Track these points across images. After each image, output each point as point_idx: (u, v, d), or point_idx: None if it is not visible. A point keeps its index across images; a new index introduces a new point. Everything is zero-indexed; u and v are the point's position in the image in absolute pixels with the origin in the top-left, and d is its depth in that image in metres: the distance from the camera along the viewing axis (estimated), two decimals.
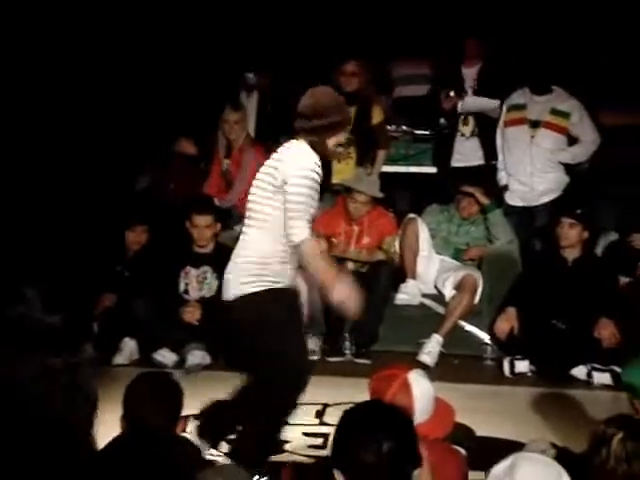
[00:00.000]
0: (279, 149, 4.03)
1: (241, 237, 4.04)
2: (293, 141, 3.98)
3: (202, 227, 6.20)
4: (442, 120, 6.93)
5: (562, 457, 3.19)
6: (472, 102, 6.85)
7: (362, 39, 7.42)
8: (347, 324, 6.27)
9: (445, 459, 3.06)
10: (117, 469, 2.72)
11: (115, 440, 2.97)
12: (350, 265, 6.39)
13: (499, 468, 2.34)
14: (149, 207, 6.79)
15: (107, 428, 3.06)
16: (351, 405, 2.49)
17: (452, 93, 6.84)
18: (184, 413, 4.69)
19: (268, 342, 3.81)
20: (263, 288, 3.87)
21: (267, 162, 4.01)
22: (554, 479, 2.28)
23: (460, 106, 6.83)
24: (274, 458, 4.33)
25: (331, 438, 2.35)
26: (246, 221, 4.04)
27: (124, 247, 6.50)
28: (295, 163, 3.87)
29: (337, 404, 5.04)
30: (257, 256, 3.90)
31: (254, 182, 4.02)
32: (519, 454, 2.35)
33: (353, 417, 2.35)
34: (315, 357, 6.10)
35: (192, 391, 5.19)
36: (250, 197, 4.01)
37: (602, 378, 5.52)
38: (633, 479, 2.45)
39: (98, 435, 3.07)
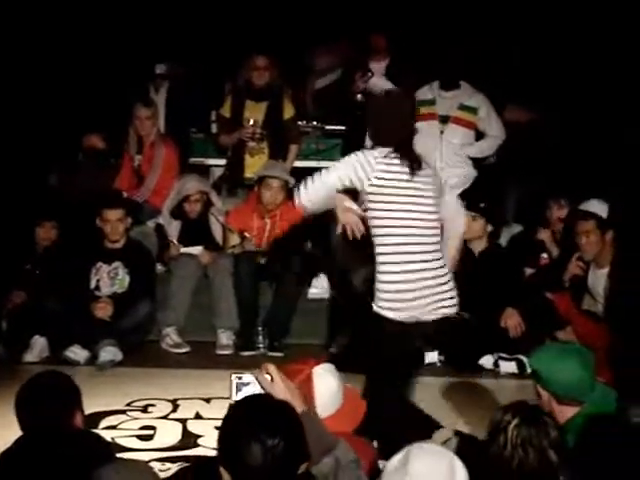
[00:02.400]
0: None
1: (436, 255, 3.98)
2: None
3: (113, 221, 6.15)
4: (359, 96, 6.98)
5: (469, 445, 3.29)
6: (376, 82, 6.95)
7: (273, 31, 7.48)
8: (260, 317, 6.32)
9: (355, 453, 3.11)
10: (17, 469, 2.70)
11: (16, 442, 2.95)
12: (263, 259, 6.42)
13: (394, 460, 2.37)
14: (58, 203, 6.69)
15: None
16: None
17: (359, 74, 6.95)
18: (97, 409, 4.78)
19: None
20: None
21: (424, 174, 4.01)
22: (446, 468, 2.32)
23: (365, 85, 6.93)
24: (190, 452, 4.37)
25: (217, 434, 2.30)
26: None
27: (33, 244, 6.40)
28: None
29: None
30: None
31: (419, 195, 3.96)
32: (413, 445, 2.39)
33: (237, 413, 2.29)
34: (228, 352, 6.14)
35: (104, 388, 5.25)
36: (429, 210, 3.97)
37: (508, 367, 5.66)
38: (528, 466, 2.51)
39: (8, 434, 3.08)
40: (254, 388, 2.55)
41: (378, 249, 3.95)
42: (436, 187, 4.07)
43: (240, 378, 2.57)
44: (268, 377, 2.56)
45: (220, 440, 2.26)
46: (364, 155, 3.96)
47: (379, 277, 3.94)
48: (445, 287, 3.95)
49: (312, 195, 4.00)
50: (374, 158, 3.93)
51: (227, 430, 2.25)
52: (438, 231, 4.04)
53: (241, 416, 2.26)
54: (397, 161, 3.95)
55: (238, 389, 2.56)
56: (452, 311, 3.96)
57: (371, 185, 3.90)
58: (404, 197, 3.92)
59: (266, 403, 2.34)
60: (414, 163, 3.97)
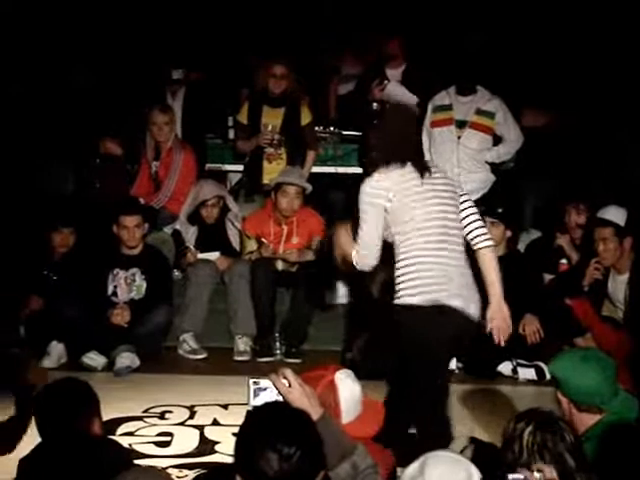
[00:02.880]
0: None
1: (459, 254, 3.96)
2: None
3: (130, 228, 6.16)
4: (375, 105, 6.97)
5: (487, 453, 3.27)
6: (393, 89, 6.95)
7: (291, 36, 7.49)
8: (277, 324, 6.31)
9: (373, 459, 3.09)
10: (37, 476, 2.70)
11: (35, 448, 2.95)
12: (280, 265, 6.42)
13: (411, 468, 2.36)
14: (75, 209, 6.71)
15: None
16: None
17: (376, 82, 6.95)
18: (114, 416, 4.78)
19: None
20: None
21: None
22: (463, 476, 2.30)
23: (381, 93, 6.93)
24: (207, 459, 4.37)
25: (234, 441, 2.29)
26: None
27: (51, 250, 6.42)
28: None
29: None
30: None
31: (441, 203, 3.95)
32: (429, 453, 2.37)
33: (253, 422, 2.28)
34: (245, 358, 6.13)
35: (121, 394, 5.25)
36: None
37: (527, 373, 5.64)
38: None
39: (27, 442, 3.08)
40: (271, 393, 2.53)
41: (402, 256, 3.92)
42: (452, 190, 4.04)
43: (257, 383, 2.56)
44: (285, 382, 2.54)
45: (236, 448, 2.25)
46: (370, 188, 3.92)
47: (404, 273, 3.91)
48: (472, 286, 3.93)
49: (377, 254, 3.96)
50: (377, 182, 3.91)
51: (243, 439, 2.24)
52: (461, 232, 4.01)
53: (257, 424, 2.25)
54: (405, 171, 3.93)
55: (255, 394, 2.55)
56: (476, 313, 3.93)
57: (391, 203, 3.89)
58: (422, 202, 3.90)
59: (283, 411, 2.33)
60: (424, 171, 3.95)
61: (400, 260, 3.91)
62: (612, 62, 7.04)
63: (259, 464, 2.14)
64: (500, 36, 7.27)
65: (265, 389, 2.54)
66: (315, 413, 2.49)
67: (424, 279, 3.85)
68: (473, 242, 3.98)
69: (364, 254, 3.97)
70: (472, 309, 3.90)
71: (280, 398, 2.52)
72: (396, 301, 3.90)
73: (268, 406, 2.39)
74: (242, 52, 7.51)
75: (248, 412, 2.38)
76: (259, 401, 2.52)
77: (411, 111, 4.33)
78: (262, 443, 2.16)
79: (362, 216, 3.93)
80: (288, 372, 2.56)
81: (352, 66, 7.73)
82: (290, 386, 2.53)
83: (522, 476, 2.52)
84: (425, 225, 3.89)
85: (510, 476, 2.52)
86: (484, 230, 4.02)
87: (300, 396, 2.52)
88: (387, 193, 3.88)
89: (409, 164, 3.94)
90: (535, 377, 5.57)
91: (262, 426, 2.23)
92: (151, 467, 3.60)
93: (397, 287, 3.90)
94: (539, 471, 2.53)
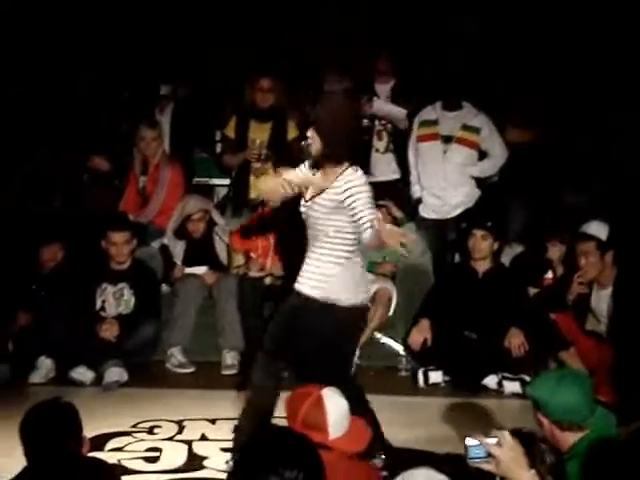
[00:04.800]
0: None
1: None
2: None
3: (119, 244, 6.19)
4: (365, 121, 7.04)
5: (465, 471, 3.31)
6: (381, 105, 7.02)
7: (278, 52, 7.53)
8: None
9: (362, 475, 3.14)
10: None
11: (23, 471, 2.97)
12: (268, 280, 6.44)
13: None
14: (64, 224, 6.73)
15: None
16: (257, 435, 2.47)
17: (365, 99, 7.00)
18: (103, 431, 4.80)
19: None
20: None
21: None
22: None
23: (370, 109, 6.99)
24: (196, 474, 4.40)
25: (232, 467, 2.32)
26: None
27: (39, 265, 6.44)
28: None
29: None
30: None
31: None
32: (406, 472, 2.41)
33: (254, 447, 2.28)
34: (233, 371, 6.15)
35: (110, 409, 5.28)
36: None
37: (512, 387, 5.67)
38: None
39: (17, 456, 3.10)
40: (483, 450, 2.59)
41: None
42: None
43: (472, 442, 2.61)
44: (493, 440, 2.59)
45: (237, 473, 2.26)
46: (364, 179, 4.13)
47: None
48: None
49: None
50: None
51: (244, 463, 2.25)
52: None
53: (258, 449, 2.25)
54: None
55: (471, 451, 2.60)
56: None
57: None
58: None
59: (283, 435, 2.35)
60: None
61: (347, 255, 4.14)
62: (597, 76, 7.11)
63: None
64: (484, 50, 7.34)
65: (478, 445, 2.60)
66: (523, 474, 2.52)
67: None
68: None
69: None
70: None
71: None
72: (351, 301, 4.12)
73: (268, 431, 2.41)
74: (229, 68, 7.54)
75: (250, 438, 2.39)
76: (473, 456, 2.60)
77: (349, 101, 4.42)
78: (264, 468, 2.17)
79: (369, 200, 4.07)
80: (504, 433, 2.59)
81: (338, 83, 7.77)
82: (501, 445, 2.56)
83: (477, 442, 2.59)
84: None
85: (467, 441, 2.59)
86: None
87: (510, 458, 2.55)
88: None
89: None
90: (520, 391, 5.60)
91: (263, 450, 2.24)
92: None
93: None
94: (494, 437, 2.59)
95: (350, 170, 4.13)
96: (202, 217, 6.64)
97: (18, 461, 3.05)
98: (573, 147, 6.80)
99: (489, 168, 6.81)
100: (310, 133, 4.22)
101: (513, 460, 2.53)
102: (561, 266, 6.24)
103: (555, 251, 6.32)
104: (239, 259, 6.61)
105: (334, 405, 3.23)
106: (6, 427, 4.49)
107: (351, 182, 4.09)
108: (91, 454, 3.37)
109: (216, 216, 6.79)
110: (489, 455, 2.54)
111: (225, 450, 4.66)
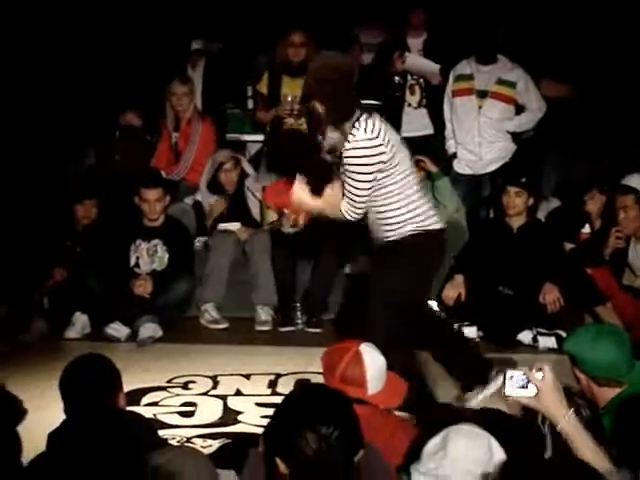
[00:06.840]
0: None
1: None
2: None
3: (152, 201, 6.19)
4: (397, 78, 6.96)
5: (506, 423, 3.29)
6: (413, 60, 6.92)
7: (310, 6, 7.43)
8: (298, 293, 6.34)
9: (396, 429, 3.14)
10: (66, 450, 2.74)
11: (62, 424, 2.99)
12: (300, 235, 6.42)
13: (433, 441, 2.39)
14: (97, 181, 6.75)
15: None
16: (300, 378, 2.49)
17: (397, 54, 6.92)
18: (138, 386, 4.84)
19: None
20: None
21: None
22: (484, 450, 2.34)
23: (403, 64, 6.91)
24: (230, 429, 4.42)
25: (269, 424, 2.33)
26: None
27: (73, 222, 6.47)
28: None
29: (289, 374, 5.11)
30: None
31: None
32: (451, 427, 2.40)
33: (291, 403, 2.31)
34: (267, 327, 6.17)
35: (145, 364, 5.32)
36: None
37: (547, 342, 5.63)
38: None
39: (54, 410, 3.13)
40: (524, 383, 2.59)
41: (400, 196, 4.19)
42: None
43: (512, 375, 2.62)
44: (540, 375, 2.58)
45: (274, 430, 2.28)
46: (367, 144, 4.09)
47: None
48: None
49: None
50: (371, 140, 4.08)
51: (281, 420, 2.27)
52: None
53: (294, 406, 2.28)
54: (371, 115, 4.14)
55: (509, 384, 2.61)
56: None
57: (386, 154, 4.11)
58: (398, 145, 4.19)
59: (319, 392, 2.36)
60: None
61: (399, 200, 4.17)
62: (635, 31, 6.96)
63: (298, 445, 2.17)
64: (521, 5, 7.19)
65: (520, 377, 2.60)
66: (562, 410, 2.52)
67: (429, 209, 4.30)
68: None
69: (361, 207, 4.19)
70: None
71: (533, 389, 2.57)
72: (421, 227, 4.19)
73: (305, 388, 2.43)
74: (261, 21, 7.47)
75: (285, 397, 2.40)
76: (511, 390, 2.61)
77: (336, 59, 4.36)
78: (300, 424, 2.19)
79: (358, 173, 4.08)
80: (545, 366, 2.60)
81: (373, 36, 7.67)
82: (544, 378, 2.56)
83: (520, 372, 2.59)
84: (410, 164, 4.27)
85: (509, 372, 2.59)
86: None
87: (552, 391, 2.55)
88: (385, 147, 4.08)
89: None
90: (555, 346, 5.56)
91: (299, 407, 2.26)
92: (185, 446, 3.64)
93: (411, 218, 4.18)
94: (539, 370, 2.59)
95: (354, 130, 4.10)
96: (233, 167, 6.61)
97: (55, 415, 3.07)
98: (611, 101, 6.67)
99: (526, 123, 6.71)
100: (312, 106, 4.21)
101: (555, 396, 2.53)
102: (599, 220, 6.15)
103: (594, 203, 6.18)
104: (272, 215, 6.60)
105: (373, 361, 3.23)
106: (43, 381, 4.56)
107: (348, 148, 4.10)
108: (128, 409, 3.39)
109: (246, 166, 6.77)
110: (529, 389, 2.54)
111: (260, 405, 4.69)
